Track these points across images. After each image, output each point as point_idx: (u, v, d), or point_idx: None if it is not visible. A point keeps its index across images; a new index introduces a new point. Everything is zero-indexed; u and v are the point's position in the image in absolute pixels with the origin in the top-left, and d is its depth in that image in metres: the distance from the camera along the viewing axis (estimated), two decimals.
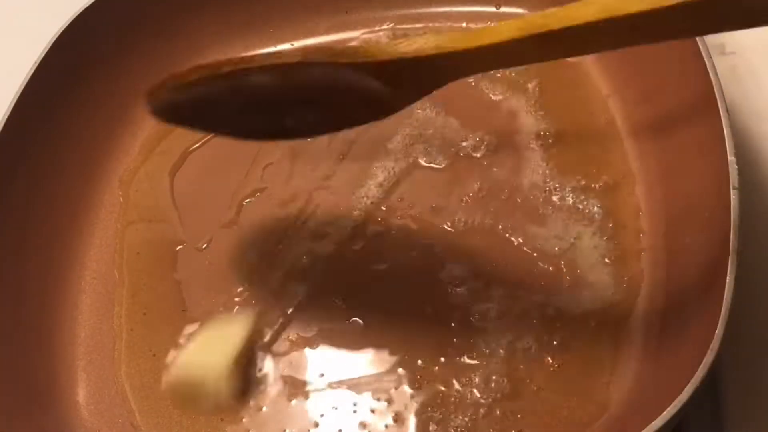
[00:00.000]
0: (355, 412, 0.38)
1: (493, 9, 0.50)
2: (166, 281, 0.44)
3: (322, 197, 0.45)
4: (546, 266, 0.40)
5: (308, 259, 0.43)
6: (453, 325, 0.39)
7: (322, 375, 0.39)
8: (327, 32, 0.51)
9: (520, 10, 0.49)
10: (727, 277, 0.31)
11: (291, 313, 0.41)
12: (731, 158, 0.33)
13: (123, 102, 0.49)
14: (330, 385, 0.39)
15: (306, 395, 0.38)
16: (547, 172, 0.43)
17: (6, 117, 0.43)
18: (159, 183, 0.48)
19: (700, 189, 0.37)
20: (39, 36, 0.46)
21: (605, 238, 0.40)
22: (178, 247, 0.45)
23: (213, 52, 0.51)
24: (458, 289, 0.40)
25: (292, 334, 0.40)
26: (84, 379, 0.42)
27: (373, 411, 0.37)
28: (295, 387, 0.39)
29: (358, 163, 0.46)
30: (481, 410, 0.36)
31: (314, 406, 0.38)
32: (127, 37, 0.49)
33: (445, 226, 0.42)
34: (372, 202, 0.44)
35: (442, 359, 0.38)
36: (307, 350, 0.40)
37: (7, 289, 0.41)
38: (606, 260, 0.39)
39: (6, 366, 0.39)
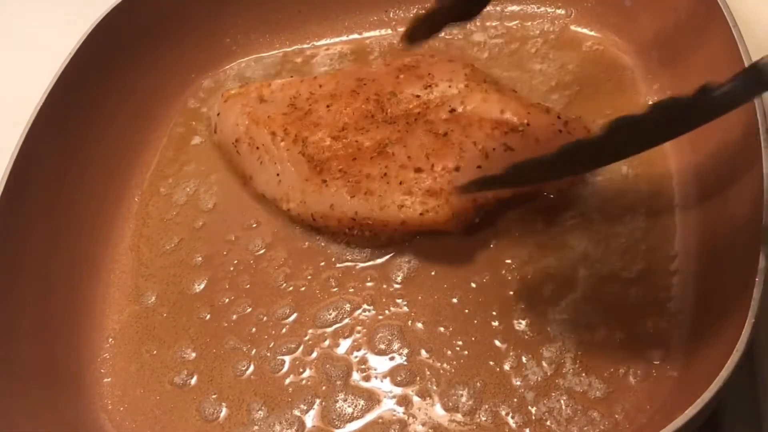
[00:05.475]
0: None
1: None
2: (192, 278, 0.44)
3: None
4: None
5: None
6: None
7: None
8: (369, 29, 0.52)
9: None
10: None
11: None
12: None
13: (150, 101, 0.50)
14: None
15: None
16: None
17: (35, 115, 0.43)
18: (187, 183, 0.48)
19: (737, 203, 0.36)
20: (70, 33, 0.47)
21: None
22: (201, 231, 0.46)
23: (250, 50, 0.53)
24: None
25: None
26: (109, 369, 0.42)
27: None
28: None
29: None
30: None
31: None
32: (153, 37, 0.50)
33: None
34: None
35: None
36: None
37: (38, 283, 0.42)
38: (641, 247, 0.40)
39: (36, 356, 0.40)
